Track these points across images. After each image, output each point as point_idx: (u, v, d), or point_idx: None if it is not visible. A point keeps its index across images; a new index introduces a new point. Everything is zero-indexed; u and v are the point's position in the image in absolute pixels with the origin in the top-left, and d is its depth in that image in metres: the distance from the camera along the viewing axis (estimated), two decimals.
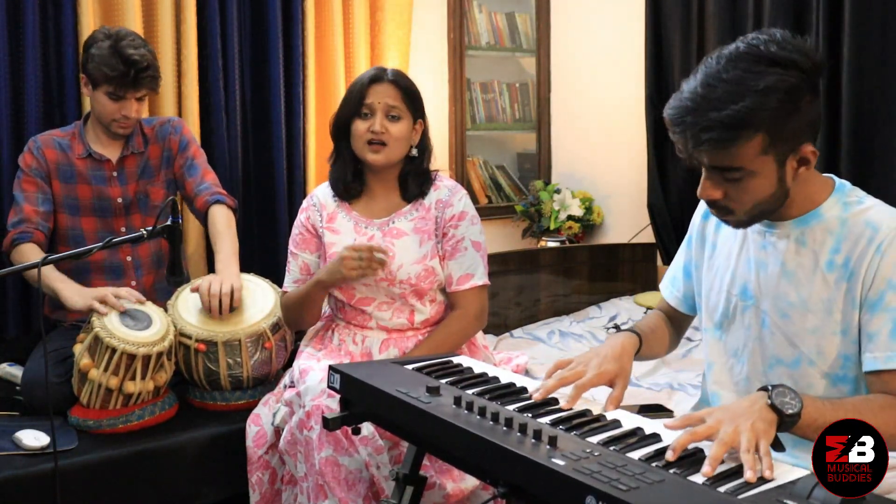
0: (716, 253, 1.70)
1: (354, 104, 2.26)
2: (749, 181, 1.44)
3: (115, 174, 2.62)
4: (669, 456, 1.26)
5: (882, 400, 1.43)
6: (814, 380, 1.52)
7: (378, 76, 2.27)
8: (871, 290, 1.45)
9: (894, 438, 1.38)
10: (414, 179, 2.33)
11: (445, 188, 2.35)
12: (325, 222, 2.34)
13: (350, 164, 2.32)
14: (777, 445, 1.35)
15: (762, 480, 1.22)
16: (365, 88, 2.25)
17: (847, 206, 1.51)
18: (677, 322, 1.87)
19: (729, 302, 1.64)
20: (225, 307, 2.43)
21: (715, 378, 1.68)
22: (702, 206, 1.76)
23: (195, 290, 2.46)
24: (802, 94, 1.41)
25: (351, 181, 2.32)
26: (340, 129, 2.31)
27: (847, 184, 1.56)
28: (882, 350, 1.44)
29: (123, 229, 2.63)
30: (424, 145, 2.36)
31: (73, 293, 2.37)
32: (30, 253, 2.44)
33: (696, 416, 1.38)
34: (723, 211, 1.51)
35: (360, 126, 2.25)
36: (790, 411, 1.34)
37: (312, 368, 2.15)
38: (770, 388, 1.37)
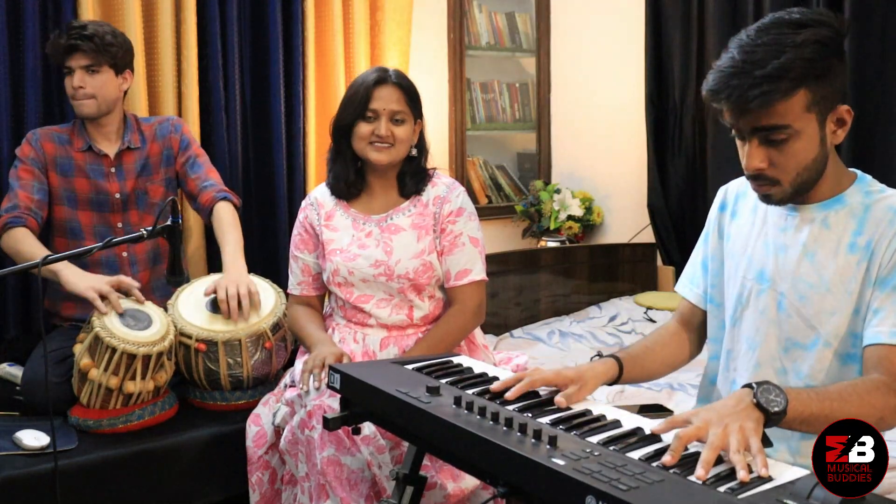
0: (731, 242, 1.71)
1: (359, 107, 2.25)
2: (794, 143, 1.47)
3: (112, 170, 2.62)
4: (667, 460, 1.26)
5: (869, 383, 1.44)
6: (827, 361, 1.54)
7: (382, 78, 2.26)
8: (886, 269, 1.48)
9: (882, 422, 1.39)
10: (412, 178, 2.34)
11: (443, 185, 2.36)
12: (324, 220, 2.35)
13: (351, 163, 2.33)
14: (764, 441, 1.34)
15: (760, 480, 1.21)
16: (370, 91, 2.24)
17: (869, 193, 1.56)
18: (699, 325, 1.81)
19: (743, 288, 1.65)
20: (245, 307, 2.43)
21: (733, 365, 1.69)
22: (718, 200, 1.78)
23: (210, 293, 2.45)
24: (837, 47, 1.47)
25: (353, 180, 2.33)
26: (342, 129, 2.30)
27: (868, 176, 1.60)
28: (888, 325, 1.46)
29: (120, 225, 2.63)
30: (422, 144, 2.38)
31: (72, 275, 2.36)
32: (22, 237, 2.43)
33: (682, 419, 1.37)
34: (768, 182, 1.52)
35: (363, 128, 2.25)
36: (776, 409, 1.35)
37: None
38: (754, 385, 1.37)
